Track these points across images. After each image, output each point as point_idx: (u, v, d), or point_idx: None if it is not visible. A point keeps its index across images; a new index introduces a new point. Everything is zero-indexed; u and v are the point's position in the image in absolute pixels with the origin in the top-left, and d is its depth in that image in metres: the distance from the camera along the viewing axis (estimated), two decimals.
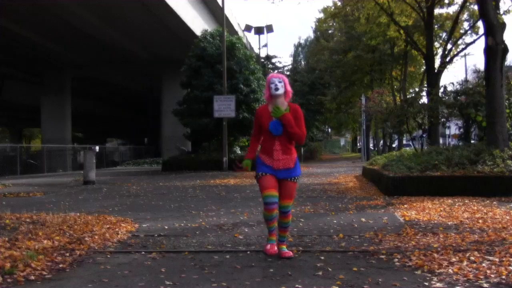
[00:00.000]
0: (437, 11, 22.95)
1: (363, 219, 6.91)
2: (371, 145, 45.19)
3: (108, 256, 4.86)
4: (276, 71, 40.22)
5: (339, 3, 28.41)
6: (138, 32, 29.48)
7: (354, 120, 48.92)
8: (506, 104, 11.88)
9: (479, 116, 13.28)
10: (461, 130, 16.07)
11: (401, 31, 21.67)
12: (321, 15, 38.26)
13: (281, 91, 4.55)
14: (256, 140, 4.77)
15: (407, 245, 5.03)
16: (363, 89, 38.64)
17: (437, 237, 5.40)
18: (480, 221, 6.45)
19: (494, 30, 11.18)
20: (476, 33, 23.26)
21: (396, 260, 4.44)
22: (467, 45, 22.90)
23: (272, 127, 4.52)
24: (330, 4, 47.29)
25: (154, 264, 4.52)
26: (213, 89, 23.99)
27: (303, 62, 66.19)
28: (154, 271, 4.23)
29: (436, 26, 24.35)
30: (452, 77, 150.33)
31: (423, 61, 23.03)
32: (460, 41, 23.70)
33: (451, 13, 25.05)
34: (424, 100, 19.58)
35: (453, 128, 24.74)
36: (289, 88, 4.65)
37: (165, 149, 35.05)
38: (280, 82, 4.58)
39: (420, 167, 10.60)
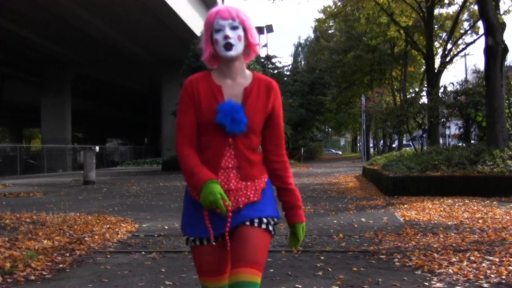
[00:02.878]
0: (437, 11, 22.97)
1: (363, 219, 6.91)
2: (371, 145, 45.19)
3: (108, 256, 4.86)
4: (276, 71, 40.11)
5: (339, 3, 28.41)
6: (138, 32, 29.47)
7: (354, 120, 48.91)
8: (506, 104, 11.88)
9: (479, 116, 13.29)
10: (461, 130, 16.07)
11: (401, 31, 21.68)
12: (321, 15, 38.23)
13: (238, 50, 1.97)
14: (191, 145, 2.00)
15: (407, 245, 5.03)
16: (363, 89, 38.63)
17: (437, 237, 5.40)
18: (480, 221, 6.45)
19: (494, 30, 11.18)
20: (476, 33, 23.29)
21: (396, 260, 4.44)
22: (467, 45, 22.89)
23: (222, 117, 1.93)
24: (330, 4, 47.29)
25: (154, 264, 4.52)
26: None
27: (303, 62, 66.17)
28: (154, 271, 4.22)
29: (436, 26, 24.35)
30: (452, 77, 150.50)
31: (423, 61, 23.02)
32: (460, 41, 23.70)
33: (451, 13, 25.09)
34: (424, 100, 19.61)
35: (453, 128, 24.73)
36: (254, 39, 2.02)
37: (165, 149, 35.02)
38: (234, 27, 1.97)
39: (420, 167, 10.60)
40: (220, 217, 1.92)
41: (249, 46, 2.03)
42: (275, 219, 2.01)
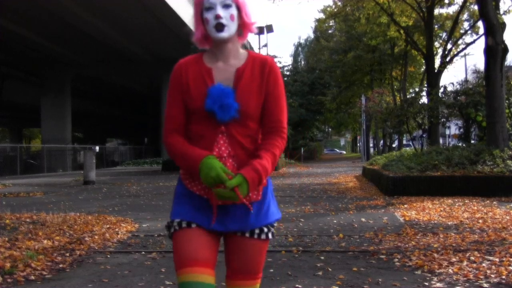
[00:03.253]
0: (437, 11, 22.99)
1: (363, 219, 6.91)
2: (371, 145, 45.21)
3: (108, 256, 4.86)
4: None
5: (339, 3, 28.44)
6: (138, 32, 29.49)
7: (354, 120, 48.95)
8: (506, 104, 11.88)
9: (479, 116, 13.29)
10: (461, 130, 16.08)
11: (401, 31, 21.70)
12: (321, 15, 38.27)
13: (230, 30, 1.80)
14: (178, 133, 1.87)
15: (407, 245, 5.02)
16: (363, 89, 38.68)
17: (437, 237, 5.40)
18: (480, 221, 6.45)
19: (494, 30, 11.18)
20: (476, 33, 23.30)
21: (396, 260, 4.44)
22: (467, 45, 22.91)
23: (211, 103, 1.77)
24: (330, 4, 47.32)
25: (154, 264, 4.52)
26: None
27: (303, 62, 66.18)
28: (154, 271, 4.22)
29: (436, 26, 24.37)
30: (452, 77, 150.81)
31: (423, 61, 23.04)
32: (460, 41, 23.73)
33: (451, 13, 25.13)
34: (424, 100, 19.61)
35: (453, 128, 24.73)
36: (248, 18, 1.85)
37: (165, 149, 35.07)
38: (226, 6, 1.79)
39: (420, 167, 10.60)
40: (211, 214, 1.82)
41: (243, 26, 1.84)
42: (275, 221, 1.87)
